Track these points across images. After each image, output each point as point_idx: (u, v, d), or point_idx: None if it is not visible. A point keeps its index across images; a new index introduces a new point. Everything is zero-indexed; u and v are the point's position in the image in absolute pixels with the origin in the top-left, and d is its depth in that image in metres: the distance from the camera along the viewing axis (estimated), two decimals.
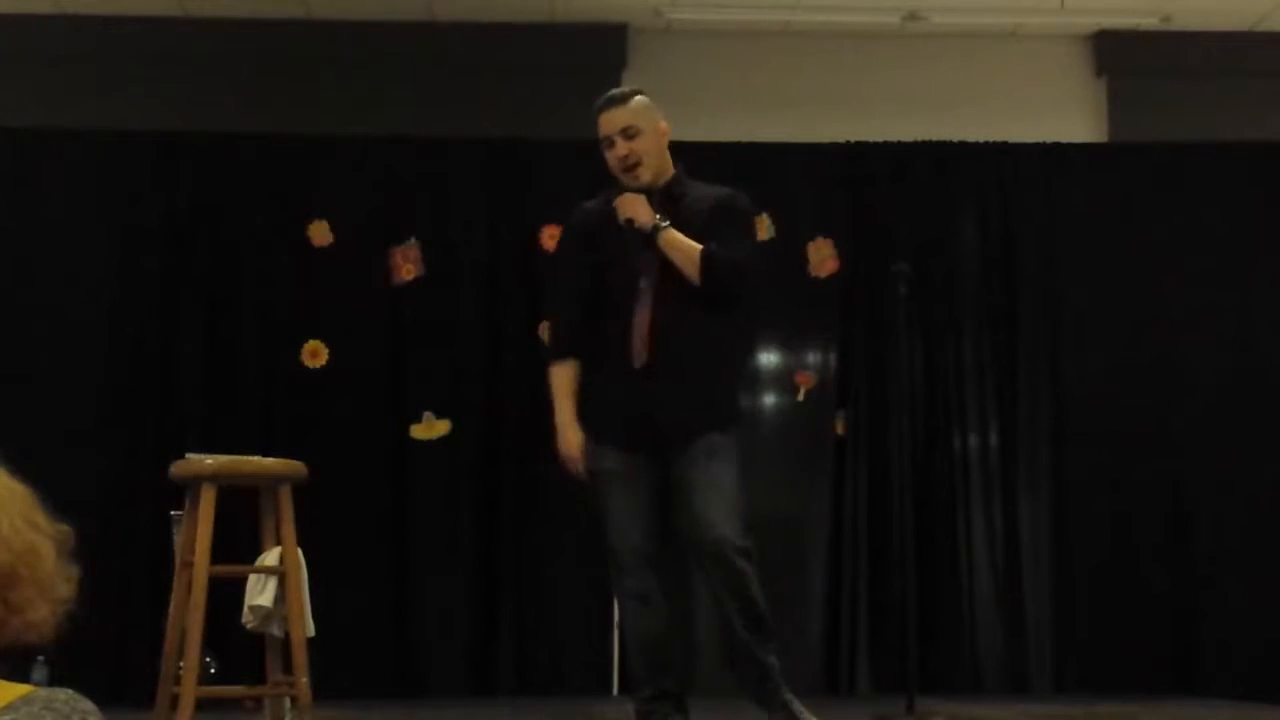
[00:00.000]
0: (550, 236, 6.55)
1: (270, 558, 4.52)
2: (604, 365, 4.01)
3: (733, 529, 3.85)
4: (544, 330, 6.88)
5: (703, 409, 3.97)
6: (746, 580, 3.88)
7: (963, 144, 7.26)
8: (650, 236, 3.92)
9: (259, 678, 4.76)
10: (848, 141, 7.24)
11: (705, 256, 3.91)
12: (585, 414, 4.04)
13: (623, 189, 4.05)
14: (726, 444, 3.96)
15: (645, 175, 4.02)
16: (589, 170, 7.04)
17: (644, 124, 4.05)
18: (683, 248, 3.94)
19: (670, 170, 4.12)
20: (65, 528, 1.49)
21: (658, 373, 3.91)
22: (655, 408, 3.91)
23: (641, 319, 3.93)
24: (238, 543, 4.82)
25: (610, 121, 4.04)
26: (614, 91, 4.18)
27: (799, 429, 7.13)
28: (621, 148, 4.01)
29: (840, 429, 7.07)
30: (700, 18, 7.25)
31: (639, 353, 3.92)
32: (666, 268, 3.95)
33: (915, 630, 5.26)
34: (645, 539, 3.95)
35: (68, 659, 5.17)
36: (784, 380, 7.18)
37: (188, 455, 4.46)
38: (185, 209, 7.02)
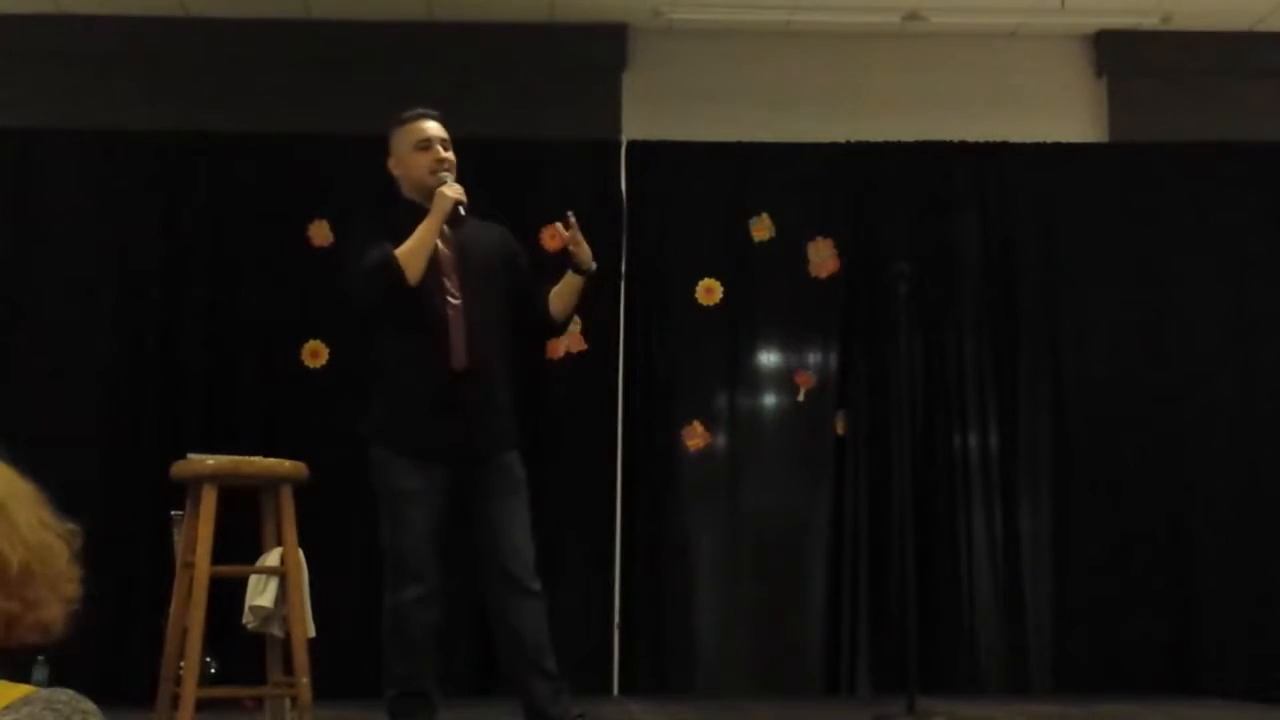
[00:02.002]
0: (551, 236, 6.54)
1: (271, 558, 4.52)
2: (418, 368, 4.05)
3: (533, 562, 4.11)
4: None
5: (509, 421, 4.17)
6: (543, 608, 4.11)
7: (963, 144, 7.27)
8: (459, 215, 4.08)
9: (259, 678, 4.76)
10: (848, 141, 7.24)
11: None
12: (389, 422, 4.09)
13: (409, 204, 4.17)
14: (523, 473, 4.17)
15: (451, 182, 4.18)
16: (590, 169, 7.12)
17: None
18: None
19: None
20: (73, 527, 1.50)
21: (474, 378, 4.04)
22: (471, 412, 4.04)
23: (456, 324, 4.05)
24: (238, 543, 4.82)
25: (436, 129, 4.25)
26: (426, 108, 4.35)
27: (799, 429, 7.13)
28: (441, 153, 4.20)
29: (840, 429, 7.07)
30: (700, 17, 7.25)
31: (459, 354, 4.03)
32: (472, 279, 4.10)
33: (915, 630, 5.26)
34: (438, 554, 4.04)
35: (68, 659, 5.17)
36: (784, 380, 7.18)
37: (188, 455, 4.46)
38: (185, 209, 7.02)
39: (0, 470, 1.48)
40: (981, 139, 7.27)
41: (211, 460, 4.39)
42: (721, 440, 7.13)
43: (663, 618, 6.96)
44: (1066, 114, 7.42)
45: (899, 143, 7.22)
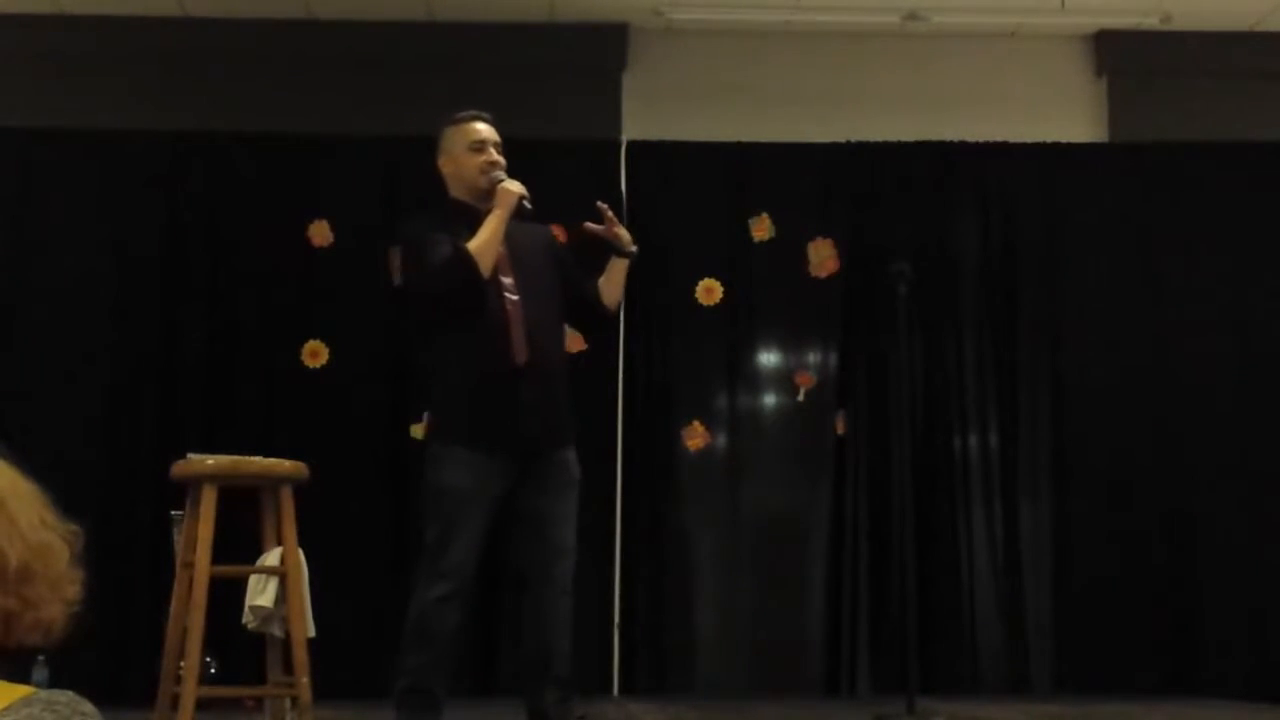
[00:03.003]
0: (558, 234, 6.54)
1: (271, 558, 4.52)
2: (478, 363, 4.04)
3: (573, 565, 4.11)
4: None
5: (567, 416, 4.18)
6: (570, 611, 4.10)
7: (963, 144, 7.27)
8: (526, 209, 4.12)
9: (259, 678, 4.76)
10: (848, 141, 7.24)
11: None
12: (448, 417, 4.07)
13: (460, 206, 4.20)
14: (578, 472, 4.16)
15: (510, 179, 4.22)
16: (589, 169, 7.11)
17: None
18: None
19: None
20: (75, 528, 1.50)
21: (535, 372, 4.04)
22: (531, 408, 4.03)
23: (516, 317, 4.06)
24: (238, 543, 4.82)
25: (489, 131, 4.28)
26: (479, 110, 4.36)
27: (799, 429, 7.13)
28: (495, 155, 4.24)
29: (840, 429, 7.07)
30: (700, 17, 7.25)
31: (520, 349, 4.04)
32: (526, 276, 4.12)
33: (915, 630, 5.25)
34: (476, 559, 4.04)
35: (68, 659, 5.17)
36: (784, 380, 7.18)
37: (189, 455, 4.46)
38: (185, 209, 7.02)
39: (2, 469, 1.48)
40: (982, 139, 7.26)
41: (211, 460, 4.39)
42: (721, 440, 7.13)
43: (663, 618, 6.96)
44: (1066, 114, 7.42)
45: (899, 143, 7.22)
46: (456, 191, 4.25)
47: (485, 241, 4.02)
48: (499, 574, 6.86)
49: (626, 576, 6.95)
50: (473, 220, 4.10)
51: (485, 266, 4.00)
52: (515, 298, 4.09)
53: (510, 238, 4.14)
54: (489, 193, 4.16)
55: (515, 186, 4.13)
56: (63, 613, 1.46)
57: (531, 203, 4.17)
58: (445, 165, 4.27)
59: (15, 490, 1.45)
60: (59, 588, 1.46)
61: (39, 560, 1.43)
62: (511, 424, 4.01)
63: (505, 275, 4.11)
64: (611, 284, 4.34)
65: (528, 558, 4.10)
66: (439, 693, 4.01)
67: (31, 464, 1.52)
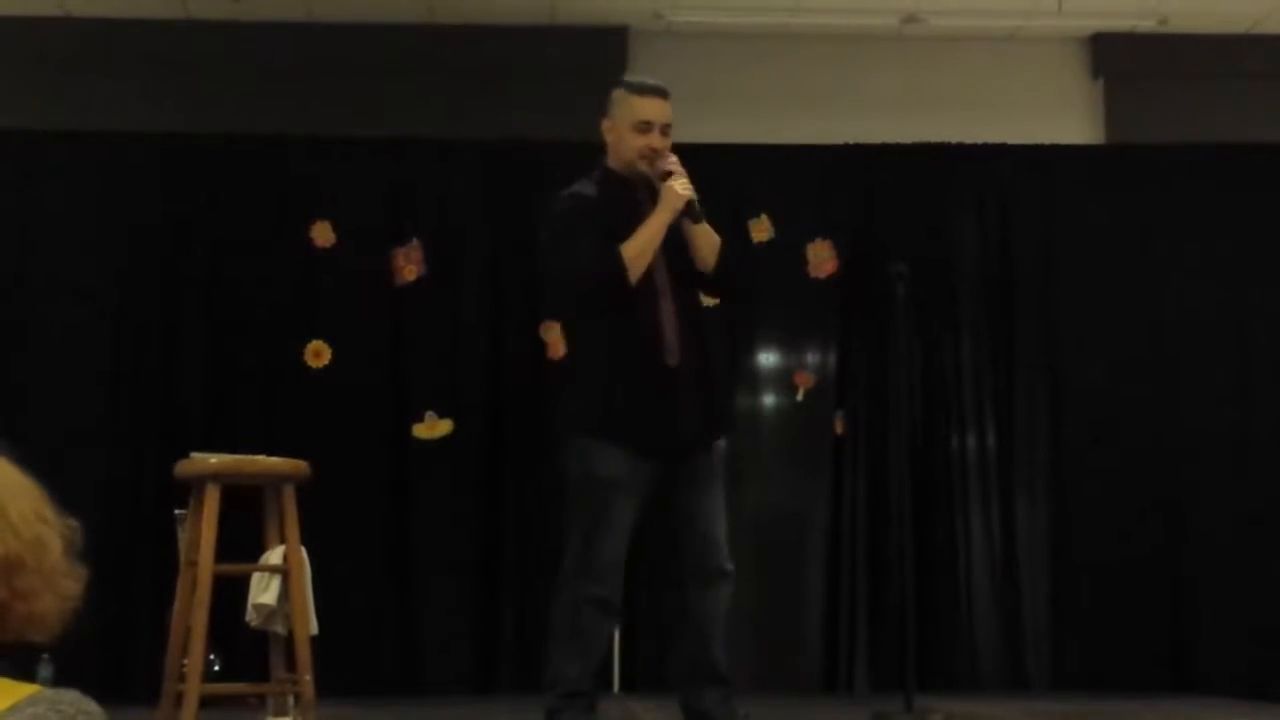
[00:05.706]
0: None
1: (274, 556, 4.54)
2: (630, 363, 3.84)
3: (726, 546, 3.98)
4: (548, 330, 6.91)
5: (720, 414, 4.03)
6: (731, 593, 4.04)
7: (962, 145, 7.29)
8: (696, 213, 3.87)
9: (263, 675, 4.79)
10: (848, 142, 7.26)
11: (723, 245, 3.97)
12: (598, 414, 3.84)
13: (615, 178, 4.00)
14: (723, 461, 4.02)
15: (679, 176, 3.96)
16: (590, 169, 7.13)
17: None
18: (711, 232, 3.97)
19: None
20: (73, 523, 1.51)
21: (687, 374, 3.87)
22: (683, 409, 3.86)
23: (668, 315, 3.87)
24: (241, 541, 4.85)
25: (662, 111, 4.01)
26: (663, 85, 4.11)
27: (799, 429, 7.15)
28: (658, 140, 3.97)
29: (840, 429, 7.10)
30: (700, 19, 7.27)
31: (673, 349, 3.85)
32: (676, 263, 3.90)
33: (914, 629, 5.27)
34: (624, 555, 3.89)
35: (72, 657, 5.21)
36: (784, 380, 7.20)
37: (192, 454, 4.49)
38: (187, 210, 7.04)
39: None
40: (979, 141, 7.28)
41: (215, 459, 4.42)
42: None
43: (662, 617, 6.97)
44: (1063, 116, 7.44)
45: (898, 144, 7.24)
46: (614, 160, 4.01)
47: (641, 248, 3.79)
48: (501, 573, 6.90)
49: (627, 576, 6.94)
50: (627, 194, 3.91)
51: (636, 274, 3.77)
52: (668, 294, 3.87)
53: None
54: (645, 178, 3.93)
55: (683, 188, 3.86)
56: (57, 606, 1.46)
57: (702, 204, 3.90)
58: (608, 131, 4.02)
59: (8, 484, 1.46)
60: (52, 581, 1.46)
61: (31, 553, 1.43)
62: (667, 429, 3.84)
63: (659, 272, 3.87)
64: (694, 249, 3.96)
65: (677, 557, 3.95)
66: (594, 695, 3.91)
67: (35, 464, 1.54)
